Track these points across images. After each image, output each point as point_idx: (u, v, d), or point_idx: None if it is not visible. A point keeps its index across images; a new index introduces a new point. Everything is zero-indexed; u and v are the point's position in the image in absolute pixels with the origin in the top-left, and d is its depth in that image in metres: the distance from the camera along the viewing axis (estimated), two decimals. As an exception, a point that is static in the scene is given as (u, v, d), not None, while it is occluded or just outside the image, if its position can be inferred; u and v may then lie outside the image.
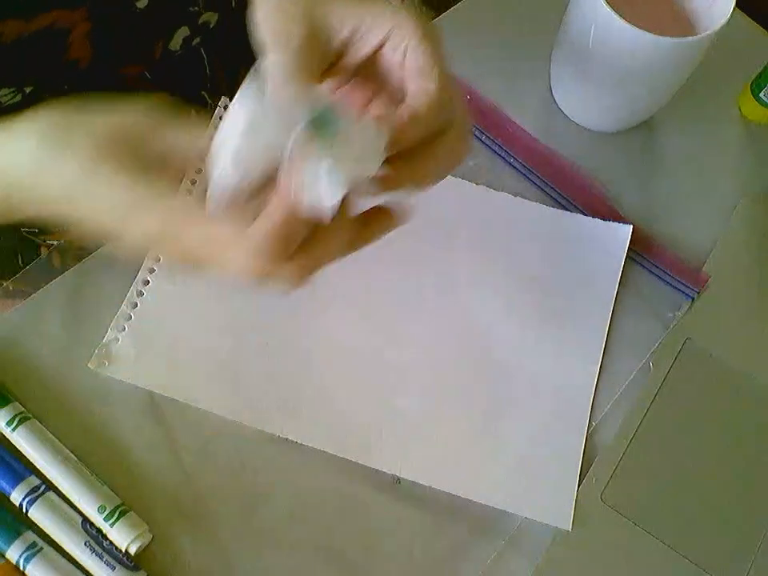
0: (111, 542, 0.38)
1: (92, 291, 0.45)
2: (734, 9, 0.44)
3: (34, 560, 0.37)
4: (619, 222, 0.49)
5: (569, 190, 0.51)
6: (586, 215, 0.50)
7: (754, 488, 0.44)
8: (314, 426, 0.42)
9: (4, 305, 0.44)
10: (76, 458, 0.40)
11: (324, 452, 0.42)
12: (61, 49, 0.41)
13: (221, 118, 0.28)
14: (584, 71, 0.49)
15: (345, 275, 0.46)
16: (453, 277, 0.47)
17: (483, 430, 0.44)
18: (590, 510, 0.42)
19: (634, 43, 0.44)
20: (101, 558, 0.37)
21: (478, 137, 0.52)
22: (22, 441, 0.39)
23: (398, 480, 0.42)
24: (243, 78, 0.29)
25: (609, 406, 0.45)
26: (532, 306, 0.47)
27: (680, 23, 0.49)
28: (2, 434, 0.40)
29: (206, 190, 0.29)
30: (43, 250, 0.55)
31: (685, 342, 0.47)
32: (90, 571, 0.37)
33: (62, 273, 0.45)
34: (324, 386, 0.44)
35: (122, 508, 0.39)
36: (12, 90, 0.41)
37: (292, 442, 0.42)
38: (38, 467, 0.39)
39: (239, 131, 0.27)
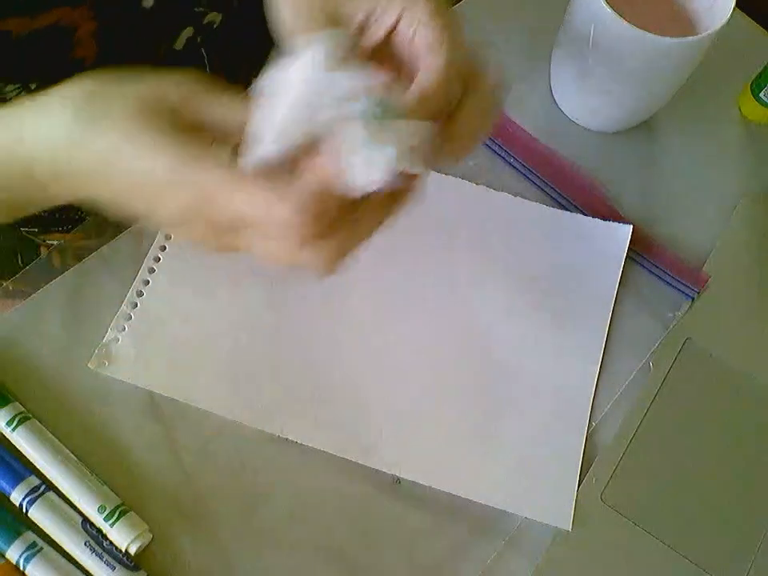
0: (111, 542, 0.38)
1: (92, 291, 0.45)
2: (733, 9, 0.44)
3: (34, 560, 0.37)
4: (619, 222, 0.49)
5: (569, 190, 0.51)
6: (586, 215, 0.50)
7: (754, 488, 0.44)
8: (314, 426, 0.42)
9: (4, 305, 0.44)
10: (76, 458, 0.40)
11: (324, 452, 0.42)
12: (67, 47, 0.41)
13: (261, 90, 0.28)
14: (584, 71, 0.49)
15: (344, 276, 0.46)
16: (453, 277, 0.47)
17: (483, 430, 0.44)
18: (590, 510, 0.42)
19: (633, 43, 0.44)
20: (101, 558, 0.37)
21: (477, 137, 0.52)
22: (22, 441, 0.39)
23: (398, 480, 0.42)
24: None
25: (609, 406, 0.45)
26: (532, 306, 0.47)
27: (680, 23, 0.49)
28: (2, 433, 0.40)
29: (242, 161, 0.28)
30: (43, 250, 0.55)
31: (685, 342, 0.47)
32: (90, 571, 0.37)
33: (62, 273, 0.45)
34: (324, 386, 0.44)
35: (122, 508, 0.39)
36: (17, 86, 0.41)
37: (292, 441, 0.42)
38: (38, 467, 0.39)
39: (287, 103, 0.27)
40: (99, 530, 0.38)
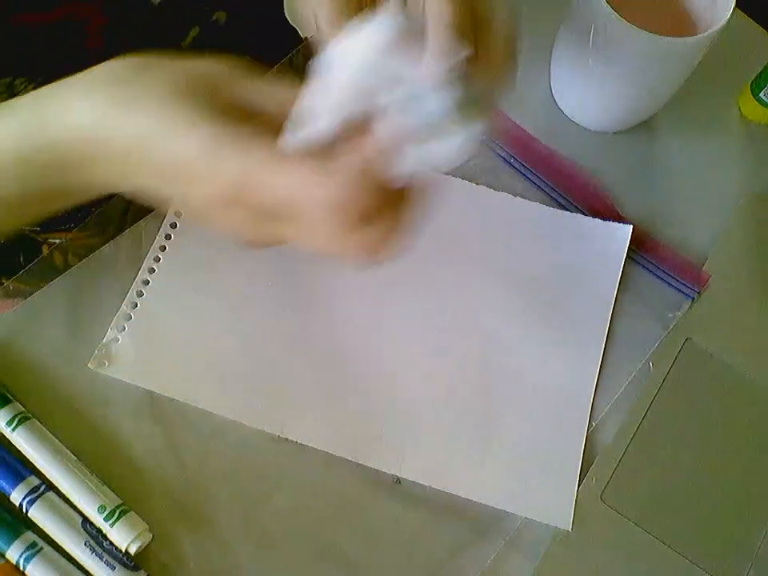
0: (111, 542, 0.38)
1: (92, 291, 0.45)
2: (733, 9, 0.44)
3: (34, 560, 0.37)
4: (619, 222, 0.49)
5: (569, 190, 0.51)
6: (585, 215, 0.50)
7: (754, 488, 0.44)
8: (314, 426, 0.42)
9: (4, 305, 0.44)
10: (76, 458, 0.40)
11: (324, 452, 0.42)
12: (76, 41, 0.41)
13: (315, 70, 0.27)
14: (584, 71, 0.49)
15: (343, 276, 0.46)
16: (452, 277, 0.47)
17: (483, 430, 0.44)
18: (590, 510, 0.42)
19: (633, 43, 0.44)
20: (101, 558, 0.37)
21: (478, 137, 0.52)
22: (22, 441, 0.39)
23: (398, 480, 0.42)
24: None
25: (609, 406, 0.45)
26: (532, 306, 0.47)
27: (680, 23, 0.49)
28: (2, 433, 0.40)
29: (284, 141, 0.28)
30: (44, 249, 0.55)
31: (685, 342, 0.47)
32: (90, 571, 0.37)
33: (64, 272, 0.45)
34: (324, 386, 0.44)
35: (122, 508, 0.39)
36: (25, 79, 0.41)
37: (292, 441, 0.42)
38: (37, 467, 0.39)
39: (341, 83, 0.26)
40: (99, 530, 0.38)
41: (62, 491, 0.39)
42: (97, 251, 0.45)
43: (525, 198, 0.50)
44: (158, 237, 0.46)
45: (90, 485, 0.39)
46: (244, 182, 0.27)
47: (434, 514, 0.42)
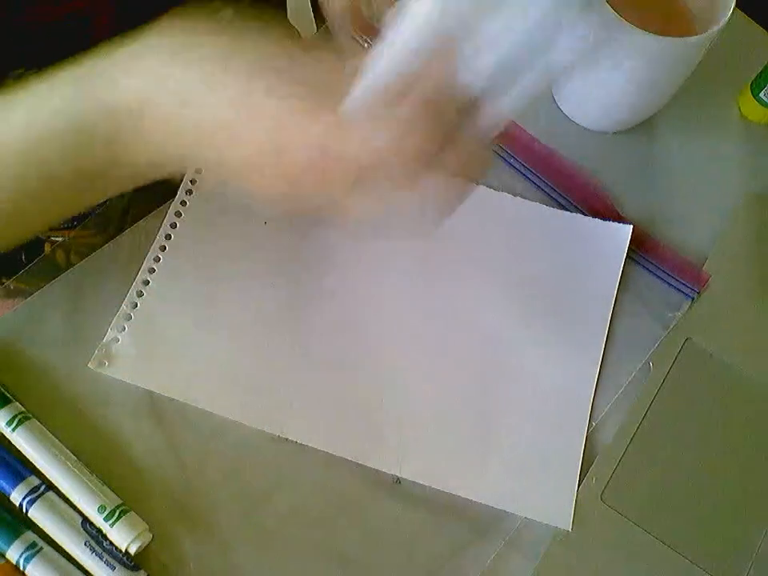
0: (111, 542, 0.38)
1: (92, 291, 0.45)
2: (733, 9, 0.44)
3: (34, 560, 0.37)
4: (619, 222, 0.49)
5: (569, 190, 0.51)
6: (585, 215, 0.50)
7: (754, 488, 0.44)
8: (314, 426, 0.42)
9: (5, 305, 0.44)
10: (76, 458, 0.40)
11: (324, 452, 0.42)
12: (85, 34, 0.41)
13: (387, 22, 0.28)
14: (584, 71, 0.49)
15: (342, 275, 0.46)
16: (452, 277, 0.47)
17: (483, 430, 0.44)
18: (590, 510, 0.42)
19: (634, 43, 0.44)
20: (101, 558, 0.37)
21: (478, 137, 0.52)
22: (22, 441, 0.39)
23: (398, 480, 0.42)
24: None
25: (609, 406, 0.45)
26: (532, 306, 0.47)
27: (680, 23, 0.49)
28: (2, 434, 0.40)
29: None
30: (47, 247, 0.55)
31: (685, 342, 0.47)
32: (90, 571, 0.37)
33: (65, 271, 0.45)
34: (324, 386, 0.44)
35: (122, 508, 0.39)
36: (36, 71, 0.41)
37: (292, 441, 0.42)
38: (38, 467, 0.39)
39: (410, 33, 0.27)
40: (99, 530, 0.38)
41: (62, 491, 0.39)
42: (97, 251, 0.45)
43: (525, 197, 0.50)
44: (157, 237, 0.46)
45: (90, 485, 0.39)
46: (322, 149, 0.27)
47: (434, 514, 0.42)
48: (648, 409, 0.45)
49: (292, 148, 0.28)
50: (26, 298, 0.44)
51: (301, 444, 0.42)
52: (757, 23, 0.60)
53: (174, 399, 0.42)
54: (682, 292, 0.49)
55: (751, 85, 0.55)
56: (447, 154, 0.28)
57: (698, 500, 0.44)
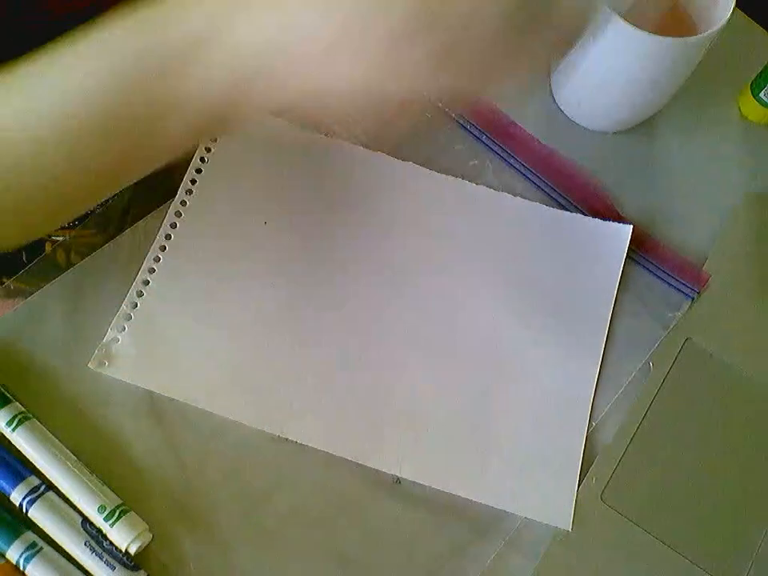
0: (111, 542, 0.38)
1: (92, 291, 0.45)
2: (733, 9, 0.44)
3: (34, 560, 0.37)
4: (619, 222, 0.49)
5: (569, 190, 0.51)
6: (585, 215, 0.50)
7: (754, 488, 0.44)
8: (314, 426, 0.43)
9: (5, 305, 0.44)
10: (76, 458, 0.40)
11: (324, 452, 0.42)
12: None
13: None
14: (584, 71, 0.49)
15: (343, 274, 0.46)
16: (452, 277, 0.47)
17: (483, 430, 0.44)
18: (590, 510, 0.42)
19: (634, 43, 0.44)
20: (101, 558, 0.37)
21: (477, 137, 0.52)
22: (22, 441, 0.39)
23: (398, 480, 0.42)
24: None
25: (609, 406, 0.45)
26: (532, 305, 0.47)
27: (680, 23, 0.49)
28: (2, 434, 0.40)
29: None
30: (47, 246, 0.55)
31: (685, 342, 0.47)
32: (90, 571, 0.37)
33: (66, 270, 0.45)
34: (324, 386, 0.44)
35: (122, 508, 0.39)
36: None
37: (292, 441, 0.42)
38: (37, 467, 0.39)
39: None
40: (99, 530, 0.38)
41: (62, 491, 0.39)
42: (97, 251, 0.45)
43: (525, 198, 0.50)
44: (157, 237, 0.46)
45: (90, 485, 0.39)
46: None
47: (434, 514, 0.42)
48: (648, 409, 0.45)
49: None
50: (26, 298, 0.44)
51: (301, 444, 0.42)
52: (757, 23, 0.60)
53: (174, 399, 0.42)
54: (682, 292, 0.49)
55: (751, 85, 0.55)
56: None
57: (697, 500, 0.44)
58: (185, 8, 0.29)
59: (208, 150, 0.48)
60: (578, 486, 0.43)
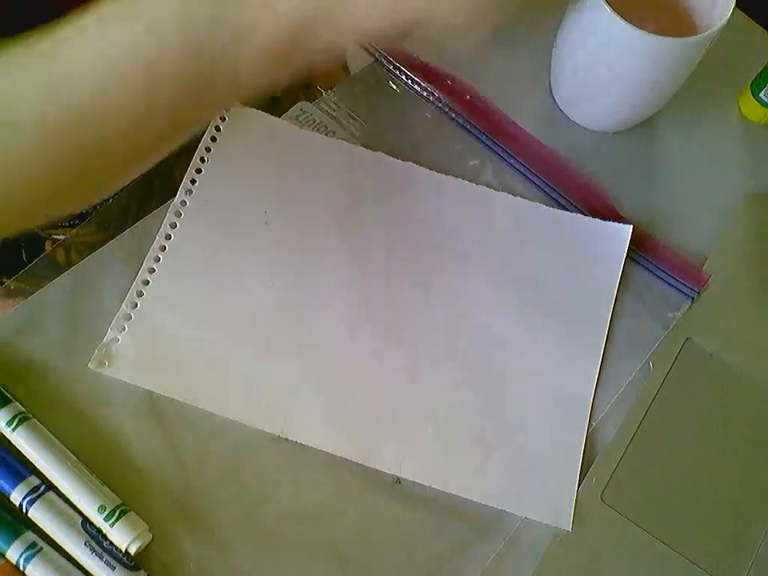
0: (111, 542, 0.38)
1: (92, 291, 0.45)
2: (733, 9, 0.44)
3: (34, 560, 0.37)
4: (619, 222, 0.49)
5: (569, 190, 0.51)
6: (585, 215, 0.50)
7: (754, 488, 0.44)
8: (314, 426, 0.43)
9: (5, 304, 0.44)
10: (76, 458, 0.40)
11: (324, 452, 0.42)
12: None
13: None
14: (584, 71, 0.49)
15: (344, 274, 0.46)
16: (452, 277, 0.47)
17: (483, 430, 0.44)
18: (590, 510, 0.42)
19: (634, 43, 0.44)
20: (101, 557, 0.37)
21: (477, 137, 0.52)
22: (22, 441, 0.39)
23: (398, 480, 0.42)
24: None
25: (609, 406, 0.45)
26: (532, 305, 0.47)
27: (680, 23, 0.49)
28: (2, 434, 0.40)
29: None
30: (47, 245, 0.55)
31: (685, 342, 0.47)
32: (90, 571, 0.37)
33: (65, 270, 0.45)
34: (324, 386, 0.44)
35: (122, 508, 0.39)
36: None
37: (292, 441, 0.42)
38: (38, 467, 0.39)
39: None
40: (99, 530, 0.38)
41: (62, 491, 0.39)
42: (97, 251, 0.45)
43: (525, 198, 0.50)
44: (157, 237, 0.46)
45: (90, 485, 0.39)
46: None
47: (434, 514, 0.42)
48: (648, 409, 0.45)
49: None
50: (26, 298, 0.44)
51: (301, 444, 0.42)
52: (757, 23, 0.60)
53: (173, 399, 0.42)
54: (682, 292, 0.49)
55: (751, 85, 0.55)
56: None
57: (697, 500, 0.44)
58: None
59: (208, 150, 0.48)
60: (578, 486, 0.43)
